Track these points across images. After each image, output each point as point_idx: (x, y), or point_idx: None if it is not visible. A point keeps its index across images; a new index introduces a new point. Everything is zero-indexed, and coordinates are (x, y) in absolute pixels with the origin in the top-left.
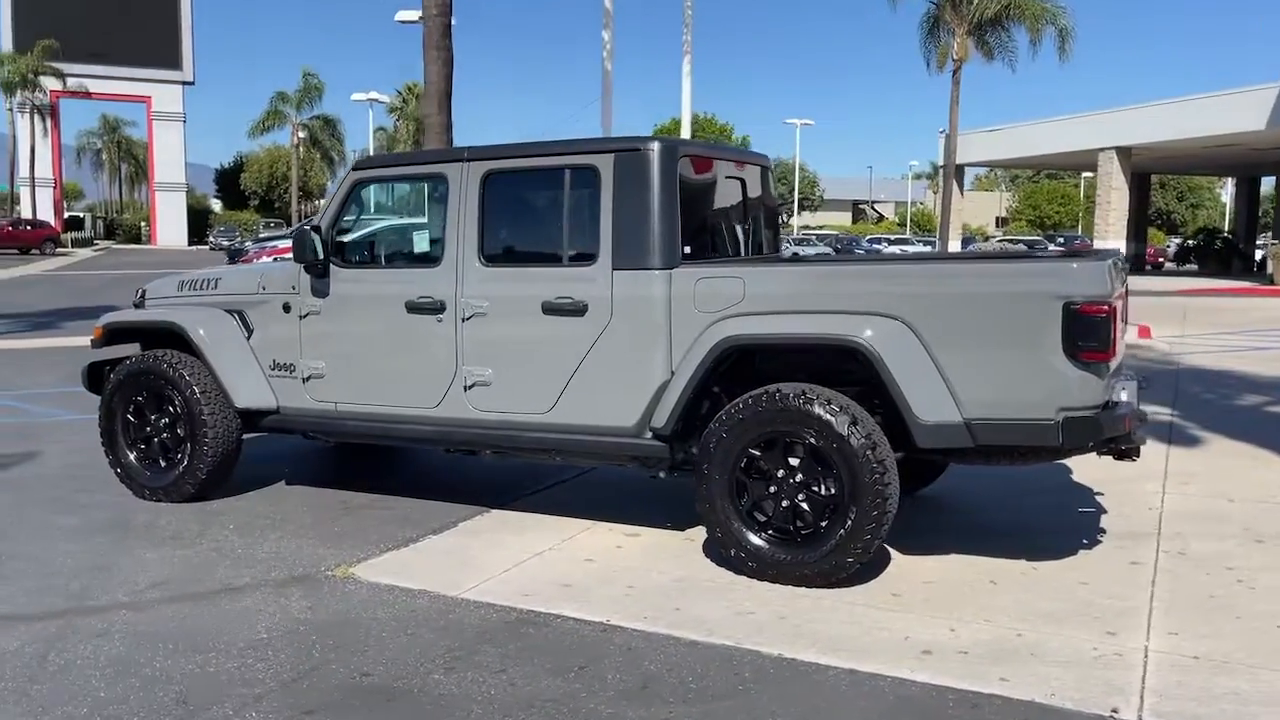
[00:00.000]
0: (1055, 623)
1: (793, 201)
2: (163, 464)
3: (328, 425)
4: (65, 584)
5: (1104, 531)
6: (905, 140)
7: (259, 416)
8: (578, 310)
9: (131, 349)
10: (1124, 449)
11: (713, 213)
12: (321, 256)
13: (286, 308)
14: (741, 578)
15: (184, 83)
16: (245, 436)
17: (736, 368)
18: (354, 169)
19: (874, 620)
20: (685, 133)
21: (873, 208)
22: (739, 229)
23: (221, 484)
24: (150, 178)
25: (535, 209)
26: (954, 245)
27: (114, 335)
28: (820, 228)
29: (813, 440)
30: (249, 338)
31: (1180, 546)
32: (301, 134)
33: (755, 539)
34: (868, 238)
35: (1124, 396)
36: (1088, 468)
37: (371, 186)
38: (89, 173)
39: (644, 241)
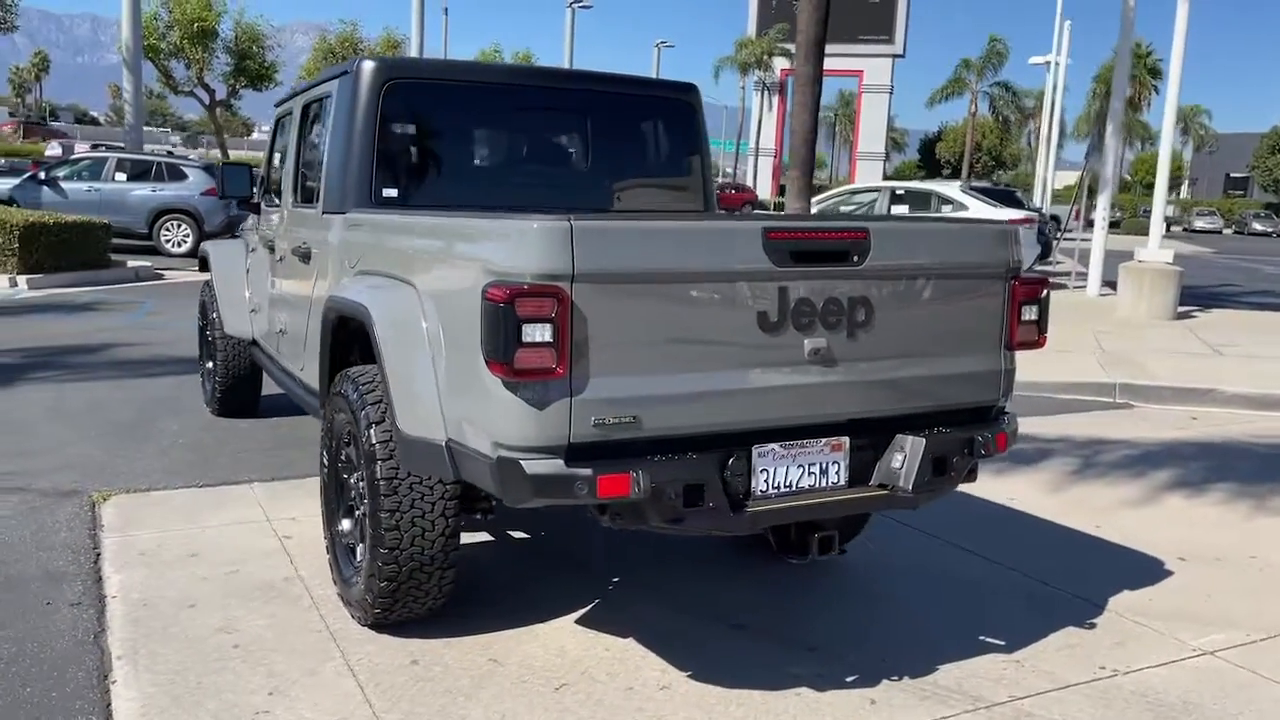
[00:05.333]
0: None
1: None
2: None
3: (265, 365)
4: None
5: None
6: None
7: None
8: (306, 257)
9: None
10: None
11: (497, 152)
12: (240, 194)
13: (248, 244)
14: (331, 593)
15: (894, 55)
16: None
17: None
18: (276, 105)
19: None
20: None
21: None
22: (570, 173)
23: (245, 406)
24: (854, 147)
25: (315, 144)
26: None
27: (201, 262)
28: None
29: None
30: (248, 272)
31: None
32: (981, 103)
33: (340, 551)
34: None
35: (899, 457)
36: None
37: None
38: (825, 144)
39: (342, 181)
